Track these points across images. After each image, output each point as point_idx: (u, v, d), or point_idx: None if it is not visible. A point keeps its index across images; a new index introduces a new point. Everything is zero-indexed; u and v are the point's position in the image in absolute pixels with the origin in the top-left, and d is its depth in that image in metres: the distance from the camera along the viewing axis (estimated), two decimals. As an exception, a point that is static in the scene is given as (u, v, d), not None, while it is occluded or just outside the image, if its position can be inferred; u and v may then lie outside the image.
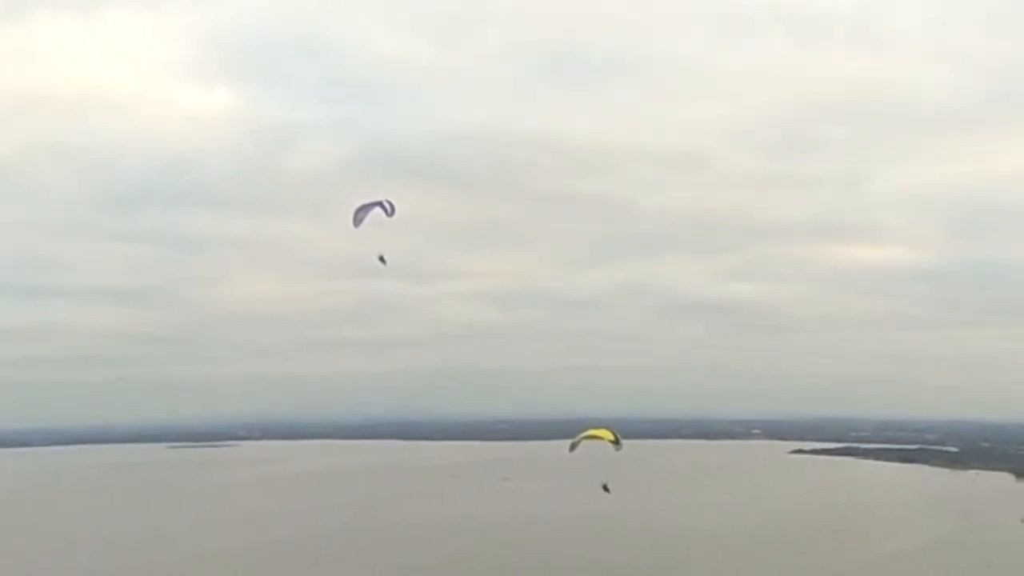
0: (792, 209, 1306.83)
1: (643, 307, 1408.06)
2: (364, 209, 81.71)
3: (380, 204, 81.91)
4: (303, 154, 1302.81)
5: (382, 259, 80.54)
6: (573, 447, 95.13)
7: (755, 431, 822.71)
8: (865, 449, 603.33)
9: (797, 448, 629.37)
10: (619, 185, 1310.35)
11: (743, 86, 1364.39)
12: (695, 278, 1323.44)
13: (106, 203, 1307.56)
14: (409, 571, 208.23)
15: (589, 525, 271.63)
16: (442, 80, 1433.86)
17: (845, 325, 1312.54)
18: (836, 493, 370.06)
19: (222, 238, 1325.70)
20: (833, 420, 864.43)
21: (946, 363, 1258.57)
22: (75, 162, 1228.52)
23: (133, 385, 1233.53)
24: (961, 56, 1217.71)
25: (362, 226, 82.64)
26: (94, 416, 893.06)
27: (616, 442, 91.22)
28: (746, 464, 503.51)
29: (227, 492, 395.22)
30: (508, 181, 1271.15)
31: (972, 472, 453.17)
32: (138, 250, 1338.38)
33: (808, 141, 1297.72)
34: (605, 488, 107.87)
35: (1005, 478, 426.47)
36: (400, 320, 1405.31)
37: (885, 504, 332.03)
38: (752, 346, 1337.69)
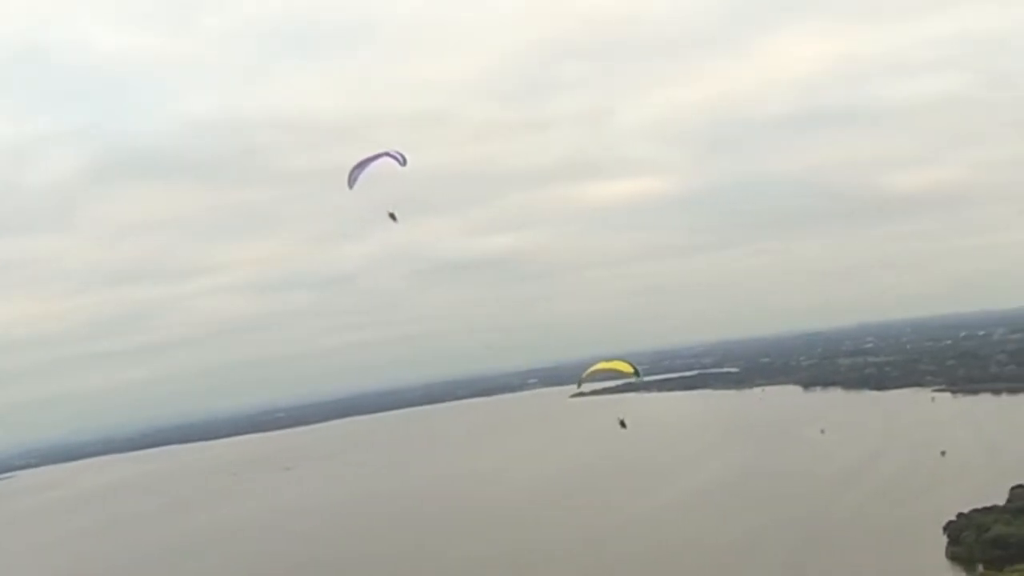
0: (538, 153, 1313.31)
1: (403, 274, 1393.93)
2: (360, 167, 73.81)
3: (388, 154, 73.00)
4: (41, 167, 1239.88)
5: (392, 216, 73.67)
6: (580, 383, 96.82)
7: (531, 381, 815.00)
8: (646, 383, 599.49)
9: (577, 392, 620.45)
10: (365, 153, 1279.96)
11: (476, 35, 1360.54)
12: (450, 237, 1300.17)
13: None
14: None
15: (369, 506, 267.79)
16: (178, 69, 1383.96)
17: (604, 263, 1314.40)
18: (624, 432, 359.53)
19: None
20: (607, 358, 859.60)
21: (710, 286, 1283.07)
22: None
23: None
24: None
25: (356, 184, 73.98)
26: None
27: (636, 374, 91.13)
28: (526, 415, 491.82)
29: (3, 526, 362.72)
30: (254, 164, 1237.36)
31: (758, 389, 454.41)
32: None
33: (549, 83, 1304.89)
34: (622, 424, 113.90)
35: (793, 390, 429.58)
36: (160, 324, 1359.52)
37: (678, 436, 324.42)
38: (516, 297, 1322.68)
